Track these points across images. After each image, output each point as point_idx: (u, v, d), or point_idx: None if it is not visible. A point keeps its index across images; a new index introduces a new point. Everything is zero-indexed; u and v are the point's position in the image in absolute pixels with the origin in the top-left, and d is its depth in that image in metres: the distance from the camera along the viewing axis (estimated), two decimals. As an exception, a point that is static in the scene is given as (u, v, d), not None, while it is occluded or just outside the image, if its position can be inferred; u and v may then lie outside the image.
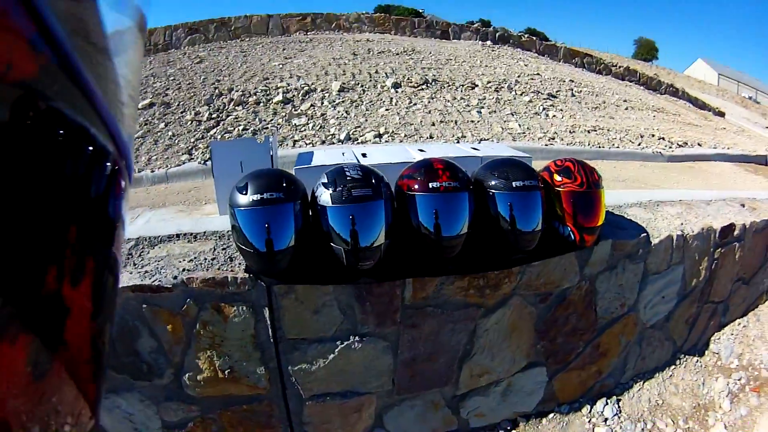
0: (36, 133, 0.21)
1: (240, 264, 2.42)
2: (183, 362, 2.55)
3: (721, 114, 14.60)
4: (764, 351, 4.93)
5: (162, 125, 5.49)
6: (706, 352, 4.69)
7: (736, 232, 4.26)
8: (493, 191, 2.46)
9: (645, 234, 3.38)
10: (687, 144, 8.54)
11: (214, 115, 5.58)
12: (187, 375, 2.56)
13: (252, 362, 2.57)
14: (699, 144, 8.82)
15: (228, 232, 2.61)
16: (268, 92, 6.32)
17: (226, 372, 2.56)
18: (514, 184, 2.45)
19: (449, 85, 7.88)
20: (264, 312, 2.42)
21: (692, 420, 3.95)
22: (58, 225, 0.23)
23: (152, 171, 4.53)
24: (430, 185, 2.29)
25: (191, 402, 2.67)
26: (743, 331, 5.07)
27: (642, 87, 12.96)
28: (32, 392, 0.22)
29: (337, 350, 2.58)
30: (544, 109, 8.13)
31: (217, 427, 2.77)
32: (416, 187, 2.31)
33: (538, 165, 2.86)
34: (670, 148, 7.91)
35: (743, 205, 4.96)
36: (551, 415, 3.55)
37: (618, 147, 7.10)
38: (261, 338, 2.49)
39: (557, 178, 2.72)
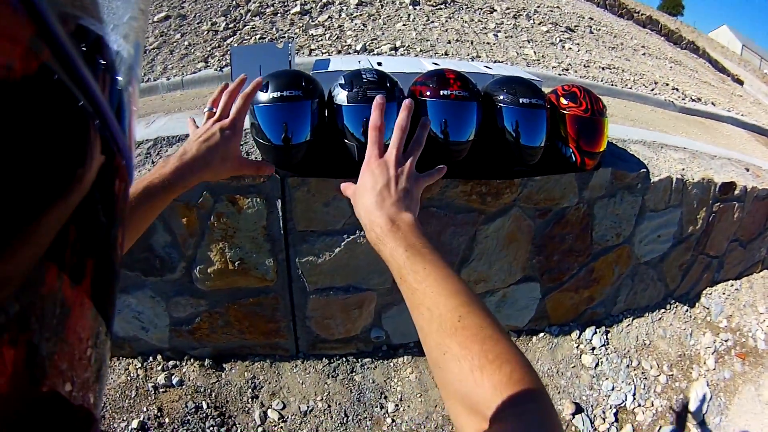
0: (36, 133, 0.21)
1: (256, 158, 2.62)
2: (195, 255, 2.77)
3: (740, 82, 14.52)
4: (753, 320, 5.18)
5: (178, 36, 5.61)
6: (697, 305, 4.92)
7: (736, 192, 4.43)
8: (501, 105, 2.68)
9: (645, 170, 3.58)
10: (701, 100, 8.57)
11: (230, 25, 5.73)
12: (198, 268, 2.79)
13: (262, 254, 2.80)
14: (713, 103, 8.90)
15: (246, 129, 2.85)
16: (285, 3, 6.46)
17: (236, 263, 2.79)
18: (521, 100, 2.66)
19: (468, 7, 7.97)
20: (277, 204, 2.64)
21: (676, 368, 4.19)
22: (58, 225, 0.23)
23: (167, 79, 4.66)
24: (442, 92, 2.51)
25: (200, 296, 2.92)
26: (735, 294, 5.31)
27: (662, 38, 12.86)
28: (31, 394, 0.22)
29: (343, 243, 2.82)
30: (561, 40, 8.22)
31: (223, 321, 3.03)
32: (428, 93, 2.53)
33: (548, 91, 3.07)
34: (683, 100, 7.96)
35: (748, 170, 5.16)
36: (541, 335, 3.82)
37: (631, 89, 7.19)
38: (272, 230, 2.72)
39: (563, 101, 2.93)
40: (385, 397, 3.25)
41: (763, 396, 4.38)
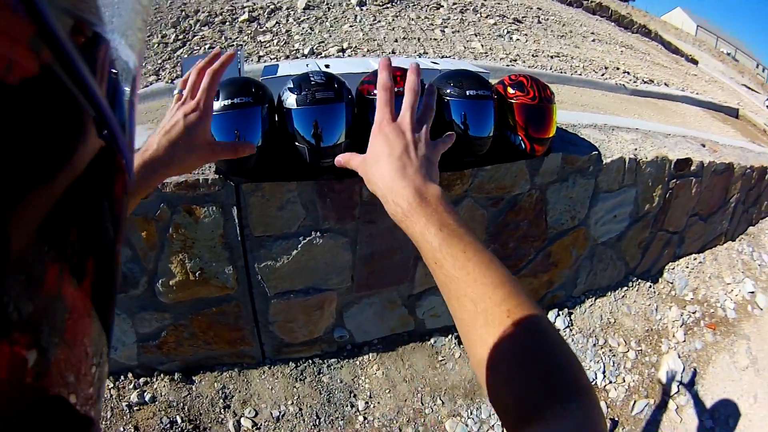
0: (36, 133, 0.21)
1: (210, 166, 2.62)
2: (156, 268, 2.77)
3: (695, 61, 14.83)
4: (721, 290, 5.33)
5: (128, 50, 5.60)
6: (660, 280, 5.05)
7: (693, 168, 4.55)
8: (448, 98, 2.74)
9: (597, 152, 3.67)
10: (653, 82, 8.77)
11: (180, 37, 5.72)
12: (160, 281, 2.80)
13: (221, 262, 2.82)
14: (666, 84, 9.10)
15: None
16: (234, 11, 6.48)
17: (197, 273, 2.80)
18: (467, 92, 2.73)
19: (414, 5, 8.06)
20: (232, 211, 2.67)
21: (645, 343, 4.30)
22: (58, 225, 0.23)
23: (119, 95, 4.68)
24: None
25: (164, 309, 2.93)
26: (699, 267, 5.46)
27: (613, 23, 13.04)
28: (31, 393, 0.22)
29: (300, 246, 2.86)
30: (508, 32, 8.35)
31: (188, 333, 3.04)
32: (375, 91, 2.60)
33: (496, 82, 3.14)
34: (635, 82, 8.15)
35: (704, 145, 5.29)
36: (504, 321, 3.89)
37: (581, 75, 7.34)
38: (229, 237, 2.75)
39: (510, 90, 3.00)
40: (355, 396, 3.30)
41: (739, 363, 4.51)
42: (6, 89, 0.19)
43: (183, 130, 1.03)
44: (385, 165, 0.85)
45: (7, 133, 0.20)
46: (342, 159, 0.97)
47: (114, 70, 0.32)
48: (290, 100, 2.48)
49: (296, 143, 2.51)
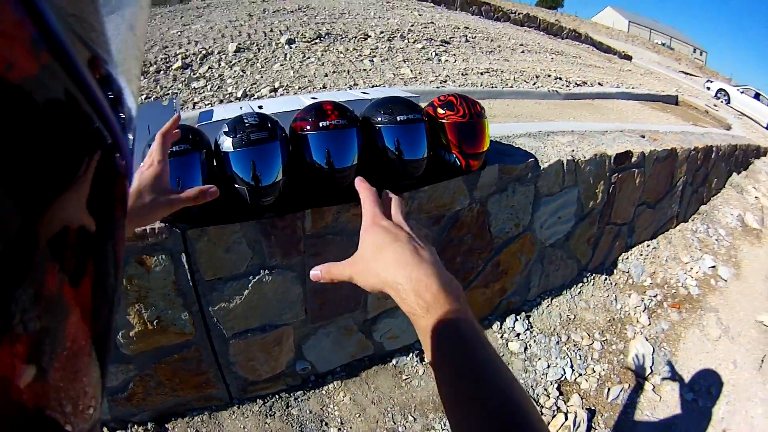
0: (36, 133, 0.21)
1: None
2: (115, 320, 2.83)
3: (628, 57, 15.27)
4: (680, 271, 5.50)
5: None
6: (615, 271, 5.19)
7: (634, 159, 4.71)
8: (380, 126, 2.85)
9: (533, 159, 3.79)
10: (587, 83, 9.04)
11: (116, 89, 5.81)
12: (120, 333, 2.81)
13: (176, 309, 2.85)
14: (600, 84, 9.36)
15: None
16: (167, 59, 6.53)
17: (155, 322, 2.82)
18: (398, 118, 2.84)
19: (342, 38, 8.23)
20: (182, 257, 2.71)
21: (609, 333, 4.39)
22: (58, 226, 0.23)
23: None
24: (321, 124, 2.65)
25: (128, 361, 2.93)
26: (654, 252, 5.63)
27: (542, 32, 13.38)
28: (31, 393, 0.22)
29: (250, 285, 2.92)
30: (436, 54, 8.59)
31: (155, 382, 3.05)
32: (308, 127, 2.67)
33: (426, 105, 3.24)
34: (568, 86, 8.44)
35: (643, 136, 5.47)
36: (462, 334, 3.96)
37: (512, 87, 7.51)
38: (182, 284, 2.78)
39: (440, 111, 3.11)
40: (326, 424, 3.34)
41: (710, 334, 4.67)
42: (6, 89, 0.19)
43: (138, 183, 1.07)
44: (396, 250, 0.77)
45: (7, 133, 0.20)
46: (320, 272, 0.88)
47: (122, 115, 0.32)
48: (226, 143, 2.55)
49: (236, 185, 2.57)
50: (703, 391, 4.18)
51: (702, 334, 4.71)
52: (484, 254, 3.85)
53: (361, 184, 0.93)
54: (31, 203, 0.21)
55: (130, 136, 0.35)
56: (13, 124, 0.20)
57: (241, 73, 6.51)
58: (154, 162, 1.13)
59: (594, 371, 4.05)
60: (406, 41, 8.90)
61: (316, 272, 0.88)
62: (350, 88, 6.13)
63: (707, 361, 4.42)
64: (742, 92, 20.82)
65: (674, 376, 4.23)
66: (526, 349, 4.06)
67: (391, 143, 2.87)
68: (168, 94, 5.72)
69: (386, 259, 0.77)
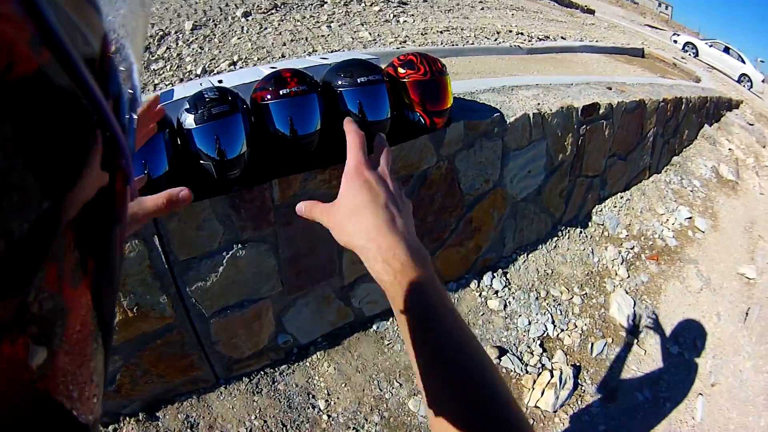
0: (36, 132, 0.21)
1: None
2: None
3: (591, 11, 15.33)
4: (656, 222, 5.58)
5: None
6: (590, 224, 5.24)
7: (601, 111, 4.76)
8: (340, 89, 2.86)
9: (498, 114, 3.81)
10: (549, 38, 9.11)
11: (75, 75, 5.74)
12: None
13: (154, 293, 2.85)
14: (563, 38, 9.42)
15: None
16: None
17: (134, 309, 2.81)
18: (358, 80, 2.85)
19: (299, 6, 8.18)
20: (154, 240, 2.70)
21: (588, 286, 4.46)
22: (58, 225, 0.23)
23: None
24: (281, 92, 2.66)
25: (114, 352, 2.91)
26: (628, 204, 5.69)
27: (500, -11, 13.44)
28: (32, 393, 0.22)
29: (224, 261, 2.93)
30: (394, 16, 8.59)
31: (141, 370, 3.05)
32: (268, 96, 2.67)
33: (386, 65, 3.25)
34: (530, 42, 8.47)
35: (610, 89, 5.51)
36: (441, 294, 4.01)
37: (473, 44, 7.54)
38: (157, 267, 2.78)
39: (401, 70, 3.13)
40: (313, 396, 3.39)
41: (691, 286, 4.76)
42: (5, 89, 0.19)
43: None
44: (370, 216, 0.76)
45: (7, 133, 0.20)
46: (303, 208, 0.88)
47: (131, 91, 0.33)
48: (188, 120, 2.55)
49: (201, 161, 2.57)
50: (688, 344, 4.27)
51: (683, 287, 4.80)
52: (455, 212, 3.88)
53: (348, 126, 0.89)
54: (32, 205, 0.22)
55: (134, 116, 0.35)
56: (12, 124, 0.20)
57: (199, 50, 6.48)
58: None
59: (576, 326, 4.12)
60: (363, 4, 8.85)
61: (301, 207, 0.88)
62: (309, 55, 6.12)
63: (690, 314, 4.51)
64: (710, 46, 21.08)
65: (658, 329, 4.31)
66: (505, 306, 4.11)
67: (354, 106, 2.89)
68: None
69: (360, 222, 0.76)
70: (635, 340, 4.15)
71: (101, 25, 0.29)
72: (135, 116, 0.36)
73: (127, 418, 3.17)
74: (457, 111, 3.52)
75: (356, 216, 0.77)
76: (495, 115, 3.80)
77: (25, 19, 0.20)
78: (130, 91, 0.33)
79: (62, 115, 0.24)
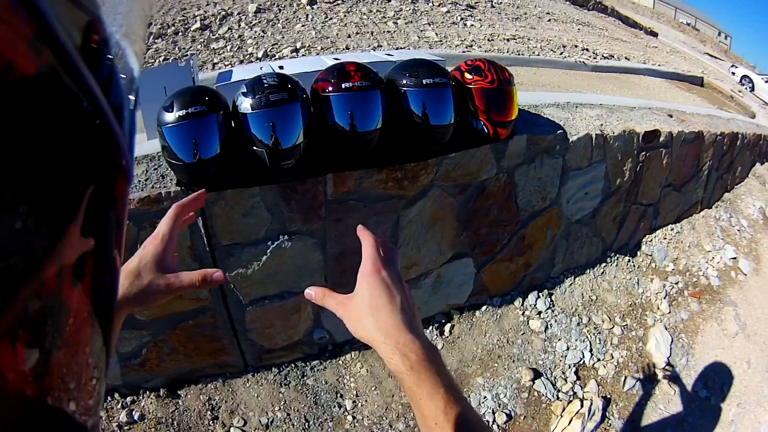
0: (36, 132, 0.21)
1: (172, 179, 2.60)
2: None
3: (654, 33, 14.90)
4: (702, 259, 5.33)
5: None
6: (639, 253, 5.03)
7: (662, 139, 4.55)
8: (405, 89, 2.72)
9: (562, 131, 3.66)
10: (614, 57, 8.82)
11: (134, 51, 5.73)
12: None
13: None
14: (627, 58, 9.12)
15: (158, 153, 2.74)
16: (186, 21, 6.43)
17: None
18: (424, 81, 2.71)
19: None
20: (198, 222, 2.62)
21: (629, 318, 4.28)
22: (57, 225, 0.23)
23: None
24: (343, 85, 2.54)
25: (142, 327, 2.88)
26: (678, 237, 5.45)
27: (568, 2, 13.06)
28: (31, 393, 0.22)
29: (269, 251, 2.83)
30: (462, 19, 8.38)
31: (168, 348, 3.00)
32: (330, 88, 2.56)
33: (452, 69, 3.11)
34: (595, 59, 8.16)
35: (671, 116, 5.29)
36: (484, 308, 3.87)
37: (539, 55, 7.30)
38: (198, 249, 2.71)
39: (468, 76, 2.99)
40: (341, 396, 3.27)
41: (728, 330, 4.51)
42: (5, 89, 0.19)
43: (138, 261, 0.93)
44: (389, 315, 0.80)
45: (7, 132, 0.19)
46: (315, 294, 0.89)
47: (123, 75, 0.32)
48: (245, 104, 2.45)
49: (254, 148, 2.47)
50: (716, 388, 4.08)
51: (720, 329, 4.58)
52: (509, 227, 3.73)
53: (363, 231, 0.93)
54: (32, 205, 0.21)
55: (131, 97, 0.33)
56: (12, 124, 0.20)
57: (261, 34, 6.40)
58: (159, 235, 0.99)
59: (612, 357, 3.94)
60: (430, 4, 8.68)
61: (311, 293, 0.90)
62: (374, 50, 6.00)
63: (723, 357, 4.30)
64: (766, 81, 20.36)
65: (690, 370, 4.11)
66: (546, 328, 3.95)
67: (417, 107, 2.75)
68: (186, 55, 5.62)
69: (379, 320, 0.80)
70: (667, 379, 3.96)
71: (83, 15, 0.27)
72: (131, 98, 0.33)
73: (147, 392, 3.11)
74: (520, 123, 3.38)
75: (376, 314, 0.80)
76: (558, 131, 3.64)
77: (26, 19, 0.20)
78: (123, 76, 0.31)
79: (63, 114, 0.23)
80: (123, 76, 0.31)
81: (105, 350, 0.31)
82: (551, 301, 4.14)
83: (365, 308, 0.81)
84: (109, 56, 0.29)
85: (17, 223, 0.20)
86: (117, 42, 0.31)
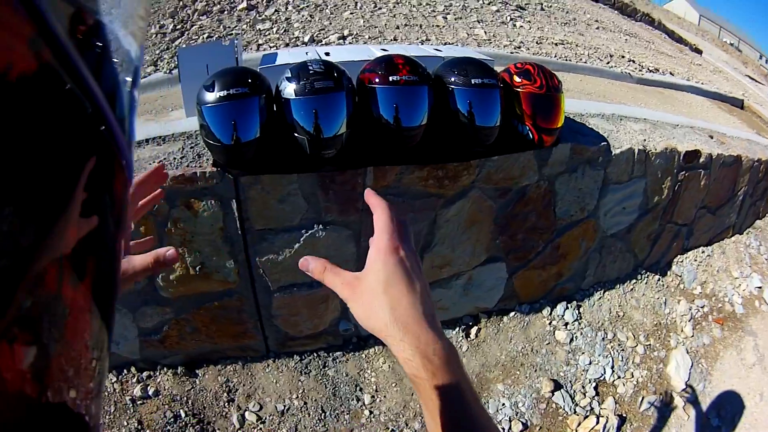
0: (36, 131, 0.21)
1: (208, 159, 2.57)
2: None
3: (699, 51, 14.59)
4: (729, 285, 5.20)
5: (125, 42, 5.54)
6: (669, 273, 4.93)
7: (701, 159, 4.45)
8: (453, 87, 2.65)
9: (605, 143, 3.57)
10: (659, 71, 8.62)
11: (178, 27, 5.64)
12: (160, 276, 2.74)
13: (222, 256, 2.76)
14: (671, 73, 8.92)
15: (196, 131, 2.74)
16: (232, 0, 6.43)
17: (197, 268, 2.74)
18: (473, 81, 2.64)
19: (416, -9, 8.02)
20: (232, 204, 2.59)
21: (653, 337, 4.20)
22: (57, 226, 0.23)
23: (117, 86, 4.63)
24: (391, 78, 2.48)
25: (165, 304, 2.87)
26: (708, 260, 5.33)
27: (616, 11, 12.79)
28: (31, 393, 0.22)
29: (302, 239, 2.79)
30: (511, 19, 8.24)
31: (191, 327, 2.99)
32: (377, 80, 2.50)
33: (501, 70, 3.04)
34: (641, 71, 7.96)
35: (711, 137, 5.17)
36: (512, 314, 3.81)
37: (586, 63, 7.15)
38: (230, 231, 2.68)
39: (517, 79, 2.91)
40: (361, 390, 3.24)
41: (746, 360, 4.40)
42: (5, 88, 0.19)
43: None
44: (409, 305, 0.67)
45: (7, 132, 0.19)
46: (313, 267, 0.75)
47: (116, 60, 0.31)
48: (288, 89, 2.39)
49: (295, 134, 2.42)
50: (728, 418, 3.99)
51: (738, 358, 4.46)
52: (545, 235, 3.67)
53: (373, 197, 0.76)
54: (30, 201, 0.21)
55: (128, 78, 0.33)
56: (12, 123, 0.20)
57: (309, 18, 6.33)
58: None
59: (632, 376, 3.87)
60: (480, 1, 8.50)
61: (307, 264, 0.76)
62: (422, 44, 5.92)
63: (738, 387, 4.19)
64: (806, 109, 19.97)
65: (705, 396, 4.03)
66: (571, 340, 3.88)
67: (464, 106, 2.67)
68: (231, 34, 5.57)
69: (398, 313, 0.66)
70: (683, 403, 3.87)
71: (104, 23, 0.29)
72: (128, 79, 0.33)
73: (165, 369, 3.09)
74: (565, 131, 3.30)
75: (394, 305, 0.67)
76: (602, 143, 3.56)
77: (26, 19, 0.20)
78: (116, 60, 0.31)
79: (63, 114, 0.24)
80: (116, 60, 0.31)
81: (107, 337, 0.31)
82: (579, 313, 4.07)
83: (380, 294, 0.68)
84: (99, 44, 0.29)
85: (3, 226, 0.20)
86: (108, 26, 0.30)
